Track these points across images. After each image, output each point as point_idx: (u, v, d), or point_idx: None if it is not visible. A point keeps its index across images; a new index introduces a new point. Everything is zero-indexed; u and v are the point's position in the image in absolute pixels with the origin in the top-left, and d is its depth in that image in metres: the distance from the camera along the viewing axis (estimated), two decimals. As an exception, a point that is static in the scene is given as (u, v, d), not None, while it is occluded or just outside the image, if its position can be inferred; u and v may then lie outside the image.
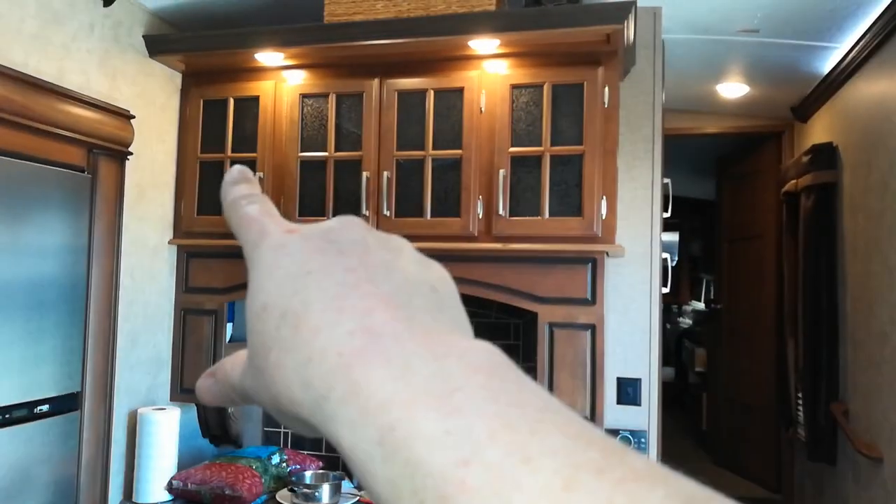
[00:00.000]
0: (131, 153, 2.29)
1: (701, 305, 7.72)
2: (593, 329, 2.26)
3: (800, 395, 3.37)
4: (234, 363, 0.29)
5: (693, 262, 8.88)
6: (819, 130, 3.45)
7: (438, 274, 0.28)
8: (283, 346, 0.24)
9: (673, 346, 7.83)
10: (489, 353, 0.23)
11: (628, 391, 2.55)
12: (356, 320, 0.23)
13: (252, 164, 2.45)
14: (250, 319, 0.26)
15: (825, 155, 3.15)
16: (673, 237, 9.00)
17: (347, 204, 2.40)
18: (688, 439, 5.77)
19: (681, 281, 8.96)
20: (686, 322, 7.67)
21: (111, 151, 2.20)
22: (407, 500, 0.20)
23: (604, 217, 2.24)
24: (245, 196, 0.29)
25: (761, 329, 4.27)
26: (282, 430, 2.77)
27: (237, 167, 0.31)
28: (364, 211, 2.37)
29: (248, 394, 0.27)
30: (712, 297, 6.06)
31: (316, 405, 0.23)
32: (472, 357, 0.23)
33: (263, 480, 2.36)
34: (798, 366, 3.39)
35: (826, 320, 3.15)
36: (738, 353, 4.62)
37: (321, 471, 2.52)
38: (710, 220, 5.79)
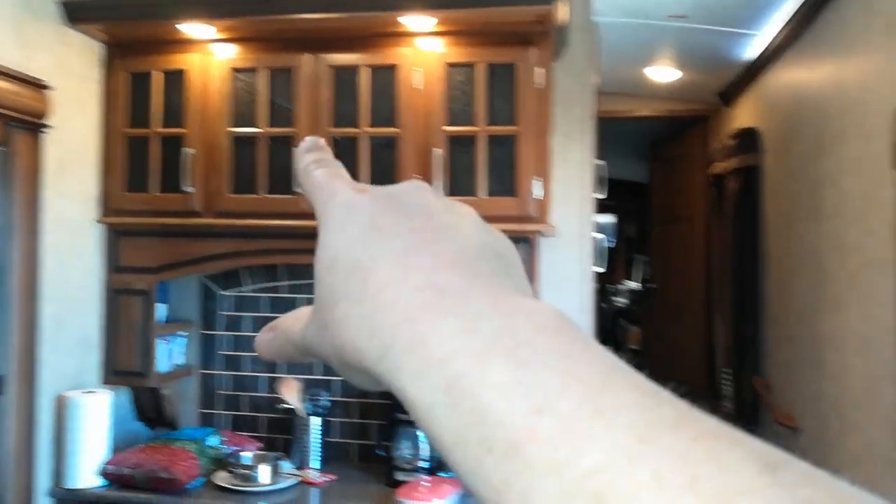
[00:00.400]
0: (49, 126, 2.20)
1: (635, 285, 7.94)
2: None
3: (726, 370, 3.53)
4: (295, 318, 0.29)
5: (628, 243, 9.12)
6: (744, 115, 3.58)
7: (504, 241, 0.28)
8: (351, 299, 0.24)
9: (609, 326, 8.05)
10: (556, 314, 0.23)
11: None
12: (423, 276, 0.23)
13: (181, 140, 2.39)
14: (319, 273, 0.26)
15: (749, 139, 3.28)
16: (610, 219, 9.22)
17: (281, 181, 2.37)
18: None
19: (616, 261, 9.19)
20: (621, 301, 7.88)
21: (26, 124, 2.10)
22: (473, 449, 0.20)
23: (538, 197, 2.28)
24: (316, 161, 0.30)
25: (692, 308, 4.43)
26: (218, 411, 2.74)
27: (309, 137, 0.32)
28: (297, 189, 2.33)
29: (310, 347, 0.27)
30: (645, 277, 6.25)
31: (381, 355, 0.23)
32: (539, 316, 0.22)
33: (200, 462, 2.32)
34: (725, 342, 3.54)
35: (749, 299, 3.30)
36: (670, 331, 4.79)
37: (260, 452, 2.50)
38: (645, 203, 5.95)
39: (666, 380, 4.45)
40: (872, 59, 2.06)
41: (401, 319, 0.23)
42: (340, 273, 0.25)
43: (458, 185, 2.30)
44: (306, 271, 2.71)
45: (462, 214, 0.27)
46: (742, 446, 0.18)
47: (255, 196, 2.39)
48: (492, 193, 2.29)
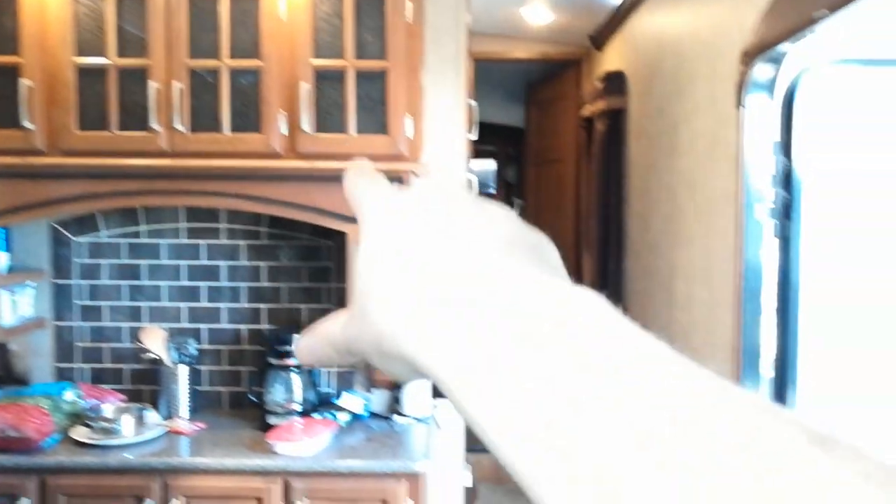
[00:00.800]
0: None
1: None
2: (401, 246, 2.31)
3: (592, 303, 3.72)
4: (334, 319, 0.30)
5: (508, 188, 9.33)
6: (612, 58, 3.70)
7: (540, 236, 0.28)
8: (391, 284, 0.25)
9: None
10: (593, 296, 0.22)
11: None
12: (462, 257, 0.23)
13: (16, 70, 2.15)
14: (361, 266, 0.27)
15: (616, 82, 3.40)
16: (490, 164, 9.37)
17: (134, 117, 2.20)
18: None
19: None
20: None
21: None
22: (517, 428, 0.19)
23: (410, 136, 2.26)
24: (360, 172, 0.32)
25: (563, 247, 4.58)
26: (76, 365, 2.57)
27: (358, 160, 0.33)
28: (154, 125, 2.18)
29: (350, 343, 0.28)
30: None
31: (418, 338, 0.23)
32: (577, 297, 0.22)
33: (55, 418, 2.19)
34: (591, 278, 3.72)
35: (614, 235, 3.48)
36: (542, 269, 4.98)
37: (122, 404, 2.39)
38: (525, 148, 6.07)
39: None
40: (724, 2, 2.16)
41: (445, 300, 0.22)
42: (378, 262, 0.26)
43: (327, 122, 2.24)
44: (169, 215, 2.57)
45: (496, 209, 0.28)
46: (793, 423, 0.17)
47: (106, 133, 2.21)
48: (362, 131, 2.25)
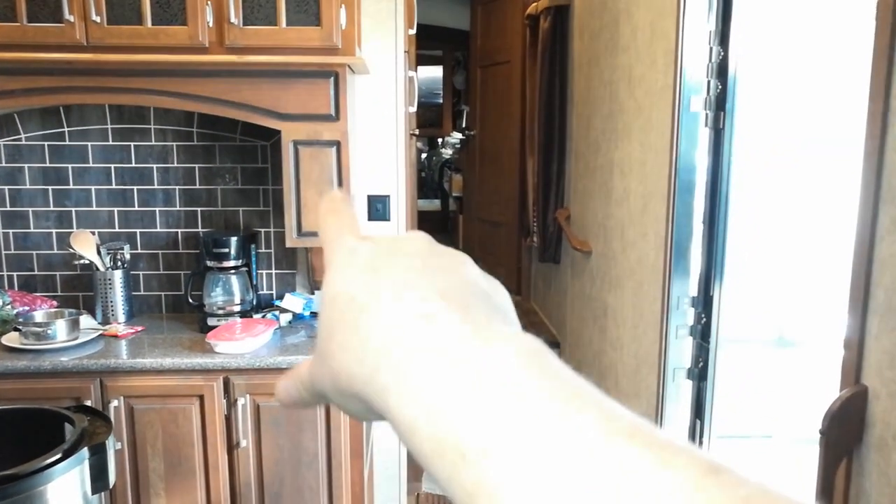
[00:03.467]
0: None
1: (461, 135, 8.09)
2: (338, 146, 2.25)
3: (535, 207, 3.75)
4: (304, 362, 0.31)
5: (456, 94, 9.16)
6: (558, -47, 3.57)
7: (497, 286, 0.30)
8: (348, 328, 0.26)
9: (437, 177, 8.22)
10: (533, 343, 0.24)
11: (378, 207, 2.64)
12: (413, 307, 0.25)
13: None
14: (322, 308, 0.29)
15: (560, -23, 3.30)
16: (437, 71, 9.14)
17: (45, 7, 2.05)
18: (448, 259, 6.27)
19: (444, 114, 9.25)
20: (448, 153, 8.04)
21: None
22: (449, 455, 0.22)
23: (343, 27, 2.16)
24: (331, 210, 0.34)
25: (508, 151, 4.60)
26: (3, 273, 2.49)
27: (335, 192, 0.35)
28: (67, 16, 2.04)
29: (314, 382, 0.30)
30: (467, 125, 6.35)
31: (370, 377, 0.25)
32: (515, 345, 0.24)
33: (-17, 325, 2.13)
34: (534, 181, 3.74)
35: (557, 136, 3.47)
36: (488, 175, 4.97)
37: (55, 309, 2.34)
38: (470, 52, 5.92)
39: (483, 222, 4.69)
40: None
41: (389, 344, 0.25)
42: (339, 307, 0.27)
43: (256, 14, 2.12)
44: (94, 115, 2.44)
45: (457, 259, 0.30)
46: (687, 453, 0.20)
47: (14, 24, 2.05)
48: (293, 23, 2.14)
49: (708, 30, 1.94)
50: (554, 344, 3.68)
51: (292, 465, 2.12)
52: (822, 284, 2.23)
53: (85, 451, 0.97)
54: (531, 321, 4.12)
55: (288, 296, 2.48)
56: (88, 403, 1.92)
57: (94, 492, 0.98)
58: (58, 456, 0.94)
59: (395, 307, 0.26)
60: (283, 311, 2.43)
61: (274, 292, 2.57)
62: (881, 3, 1.14)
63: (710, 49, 1.94)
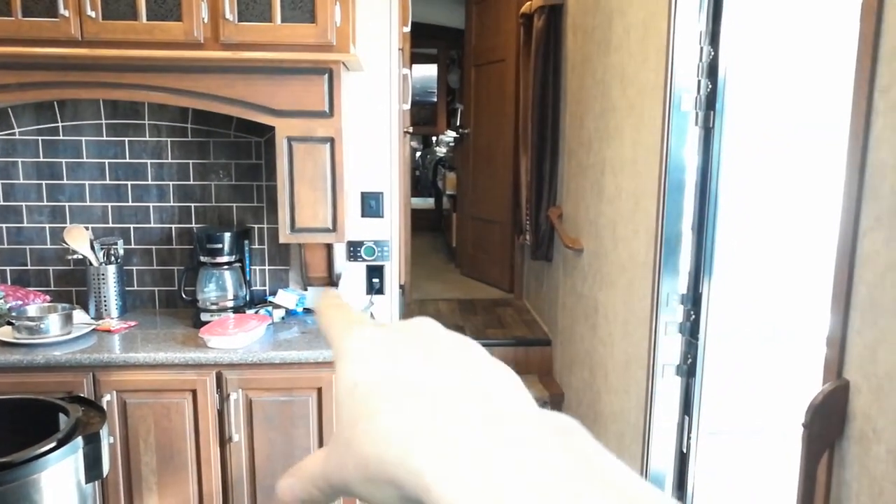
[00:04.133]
0: None
1: (455, 133, 8.11)
2: (332, 142, 2.27)
3: (528, 205, 3.77)
4: (312, 458, 0.31)
5: (451, 93, 9.18)
6: (552, -48, 3.59)
7: (504, 370, 0.30)
8: (373, 414, 0.27)
9: (431, 175, 8.24)
10: (565, 425, 0.25)
11: (371, 204, 2.65)
12: (427, 407, 0.26)
13: None
14: (340, 398, 0.29)
15: (554, -24, 3.32)
16: (432, 69, 9.16)
17: (40, 1, 2.05)
18: (440, 255, 6.29)
19: (438, 112, 9.27)
20: (442, 151, 8.05)
21: None
22: None
23: (338, 24, 2.18)
24: (332, 305, 0.35)
25: (502, 150, 4.62)
26: (-4, 267, 2.49)
27: (331, 290, 0.35)
28: (62, 11, 2.04)
29: (332, 475, 0.29)
30: (462, 123, 6.37)
31: (402, 460, 0.25)
32: (543, 428, 0.25)
33: (-25, 320, 2.14)
34: (527, 179, 3.75)
35: (550, 134, 3.49)
36: (482, 174, 4.99)
37: (47, 304, 2.34)
38: (465, 50, 5.93)
39: (476, 220, 4.71)
40: None
41: (420, 427, 0.25)
42: (361, 395, 0.28)
43: (251, 10, 2.13)
44: (88, 110, 2.44)
45: (468, 346, 0.30)
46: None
47: (8, 18, 2.06)
48: (288, 19, 2.15)
49: (699, 30, 1.96)
50: (545, 341, 3.70)
51: (284, 459, 2.13)
52: (811, 279, 2.26)
53: (79, 440, 0.98)
54: (523, 319, 4.14)
55: (281, 292, 2.49)
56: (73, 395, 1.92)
57: (87, 480, 0.99)
58: (52, 444, 0.95)
59: (419, 398, 0.27)
60: (276, 306, 2.44)
61: (267, 288, 2.58)
62: (864, 5, 1.16)
63: (701, 49, 1.96)
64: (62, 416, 1.07)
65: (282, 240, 2.29)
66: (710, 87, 1.96)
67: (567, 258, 3.23)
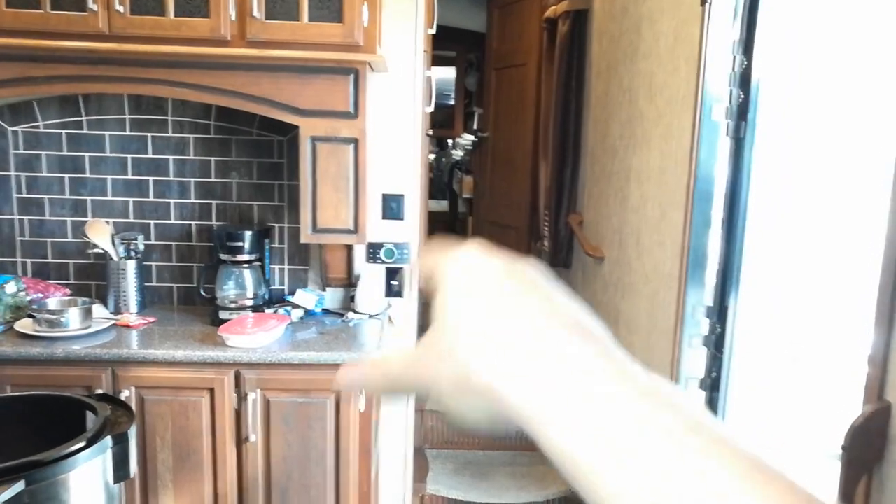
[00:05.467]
0: None
1: (473, 137, 8.09)
2: (356, 143, 2.25)
3: (547, 211, 3.74)
4: (391, 357, 0.33)
5: (468, 96, 9.16)
6: (578, -43, 3.56)
7: (585, 313, 0.31)
8: (485, 328, 0.28)
9: (447, 178, 8.22)
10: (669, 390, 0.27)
11: (392, 206, 2.63)
12: (566, 349, 0.27)
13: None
14: (451, 304, 0.30)
15: (581, -19, 3.29)
16: (449, 72, 9.15)
17: (70, -6, 2.05)
18: (455, 260, 6.26)
19: (455, 115, 9.25)
20: (458, 154, 8.04)
21: None
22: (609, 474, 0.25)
23: (365, 25, 2.16)
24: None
25: (521, 154, 4.59)
26: (18, 259, 2.49)
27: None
28: (91, 5, 2.04)
29: (416, 376, 0.31)
30: (480, 127, 6.34)
31: (509, 375, 0.27)
32: (662, 390, 0.27)
33: (-4, 311, 2.14)
34: (547, 184, 3.73)
35: (572, 140, 3.46)
36: (500, 178, 4.96)
37: (68, 297, 2.34)
38: (486, 54, 5.91)
39: (494, 225, 4.68)
40: None
41: (527, 350, 0.27)
42: (469, 305, 0.29)
43: (279, 8, 2.13)
44: (112, 105, 2.44)
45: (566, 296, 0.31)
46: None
47: (37, 11, 2.06)
48: (315, 19, 2.14)
49: (732, 38, 1.93)
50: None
51: (300, 461, 2.11)
52: (845, 297, 2.22)
53: (108, 440, 0.97)
54: (539, 325, 4.11)
55: (300, 291, 2.48)
56: (100, 392, 1.91)
57: (115, 481, 0.98)
58: (82, 444, 0.93)
59: (543, 339, 0.28)
60: (295, 306, 2.43)
61: (286, 288, 2.57)
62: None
63: (734, 58, 1.93)
64: (89, 415, 1.06)
65: (303, 239, 2.28)
66: (742, 97, 1.93)
67: (587, 266, 3.20)
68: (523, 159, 4.54)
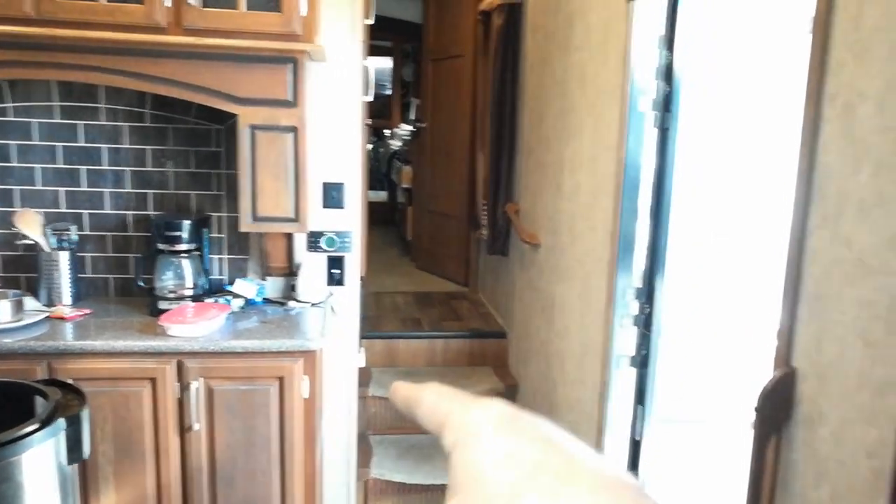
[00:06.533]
0: None
1: (410, 127, 8.11)
2: (296, 131, 2.27)
3: (485, 201, 3.83)
4: (434, 412, 0.34)
5: (405, 87, 9.17)
6: (513, -48, 3.64)
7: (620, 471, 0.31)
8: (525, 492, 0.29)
9: (385, 168, 8.23)
10: None
11: (333, 195, 2.65)
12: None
13: None
14: (485, 466, 0.30)
15: (515, -25, 3.37)
16: (387, 62, 9.13)
17: (-6, -23, 1.99)
18: (396, 249, 6.30)
19: (393, 105, 9.26)
20: (396, 144, 8.06)
21: None
22: None
23: (304, 14, 2.17)
24: (434, 390, 0.35)
25: (458, 145, 4.66)
26: (-61, 252, 2.40)
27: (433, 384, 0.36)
28: None
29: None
30: (418, 117, 6.38)
31: None
32: None
33: (-81, 306, 2.06)
34: (484, 175, 3.81)
35: (508, 131, 3.55)
36: (438, 168, 5.02)
37: (-4, 291, 2.27)
38: (422, 45, 5.95)
39: (433, 214, 4.73)
40: None
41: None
42: (514, 466, 0.30)
43: (216, -3, 2.11)
44: (39, 92, 2.37)
45: (581, 444, 0.32)
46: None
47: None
48: (253, 7, 2.14)
49: (657, 34, 2.04)
50: (501, 334, 3.77)
51: (245, 448, 2.13)
52: (757, 275, 2.38)
53: (61, 422, 0.97)
54: (479, 312, 4.20)
55: (240, 281, 2.48)
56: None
57: (69, 462, 0.98)
58: (35, 426, 0.94)
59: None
60: (236, 296, 2.43)
61: (226, 277, 2.56)
62: (816, 20, 1.24)
63: (659, 52, 2.04)
64: (39, 399, 1.06)
65: (242, 228, 2.28)
66: (666, 89, 2.04)
67: (524, 253, 3.30)
68: (461, 150, 4.61)
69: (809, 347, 1.21)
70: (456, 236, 4.82)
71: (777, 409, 1.23)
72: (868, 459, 1.10)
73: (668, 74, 2.03)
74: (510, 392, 3.43)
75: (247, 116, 2.22)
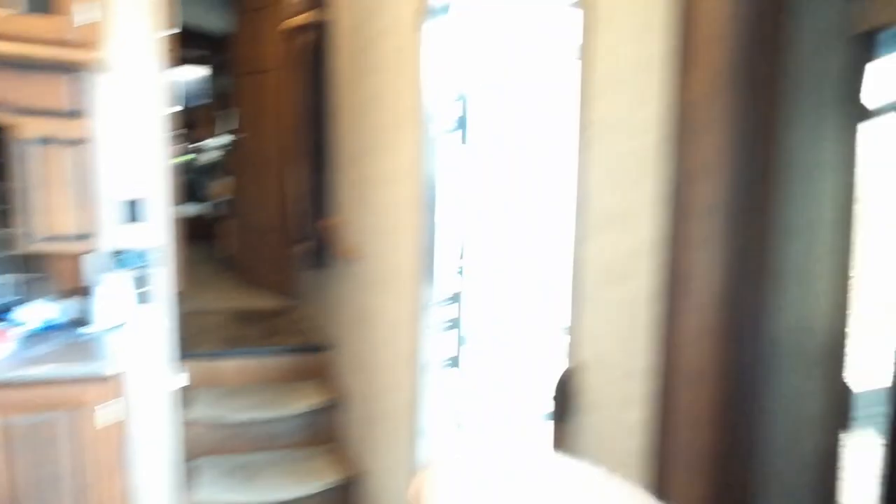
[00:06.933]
0: None
1: (224, 140, 7.86)
2: (82, 144, 2.15)
3: (300, 216, 3.82)
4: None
5: (221, 98, 8.85)
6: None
7: None
8: None
9: (198, 182, 7.89)
10: None
11: (132, 210, 2.53)
12: None
13: None
14: None
15: (320, -7, 3.41)
16: (203, 72, 8.76)
17: None
18: (215, 264, 6.06)
19: (205, 116, 8.89)
20: (211, 156, 7.78)
21: None
22: None
23: (87, 21, 2.06)
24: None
25: (274, 159, 4.61)
26: None
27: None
28: None
29: None
30: (232, 129, 6.21)
31: None
32: None
33: None
34: (298, 190, 3.80)
35: (322, 148, 3.57)
36: (256, 182, 4.93)
37: None
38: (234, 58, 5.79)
39: (252, 228, 4.61)
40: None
41: None
42: None
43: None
44: None
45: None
46: None
47: None
48: (31, 10, 2.01)
49: (446, 58, 2.18)
50: (325, 347, 3.78)
51: (43, 480, 1.96)
52: (546, 278, 2.59)
53: None
54: (302, 326, 4.17)
55: (34, 303, 2.29)
56: None
57: None
58: None
59: None
60: (26, 320, 2.24)
61: (14, 300, 2.34)
62: (583, 53, 1.41)
63: (449, 75, 2.18)
64: None
65: (22, 250, 2.11)
66: (457, 110, 2.19)
67: (343, 267, 3.35)
68: (279, 164, 4.56)
69: (590, 343, 1.39)
70: (277, 250, 4.75)
71: (568, 398, 1.40)
72: (630, 438, 1.27)
73: (458, 96, 2.18)
74: (336, 404, 3.45)
75: (26, 128, 2.07)
